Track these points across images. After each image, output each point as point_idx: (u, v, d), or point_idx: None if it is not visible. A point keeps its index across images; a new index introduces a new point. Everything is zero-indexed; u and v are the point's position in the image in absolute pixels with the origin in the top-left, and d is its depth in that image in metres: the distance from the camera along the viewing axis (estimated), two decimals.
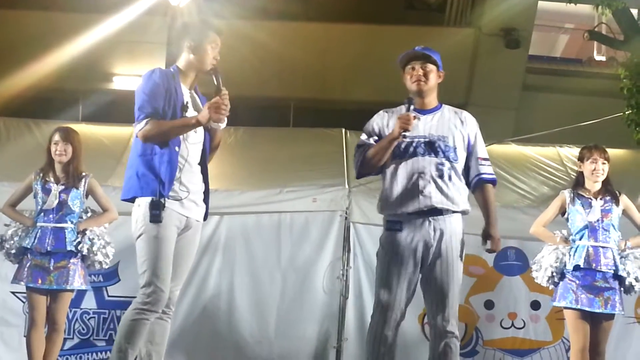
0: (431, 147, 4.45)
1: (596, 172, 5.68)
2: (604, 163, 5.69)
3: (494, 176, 4.61)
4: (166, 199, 4.18)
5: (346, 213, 6.90)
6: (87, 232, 5.79)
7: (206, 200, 4.44)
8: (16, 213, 5.92)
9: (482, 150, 4.60)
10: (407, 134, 4.35)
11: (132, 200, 4.29)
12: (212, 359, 6.88)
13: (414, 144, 4.45)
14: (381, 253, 4.55)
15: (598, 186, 5.71)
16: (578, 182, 5.81)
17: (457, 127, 4.54)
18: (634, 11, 10.41)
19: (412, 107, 4.42)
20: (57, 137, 5.82)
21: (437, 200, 4.39)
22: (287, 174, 7.43)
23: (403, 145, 4.45)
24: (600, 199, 5.67)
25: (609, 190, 5.71)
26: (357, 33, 12.12)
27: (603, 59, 13.95)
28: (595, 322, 5.59)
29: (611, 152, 5.88)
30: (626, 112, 9.09)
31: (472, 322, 6.99)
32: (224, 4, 11.31)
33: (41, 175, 5.83)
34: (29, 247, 5.72)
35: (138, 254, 4.24)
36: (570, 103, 11.85)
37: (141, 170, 4.22)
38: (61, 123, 6.98)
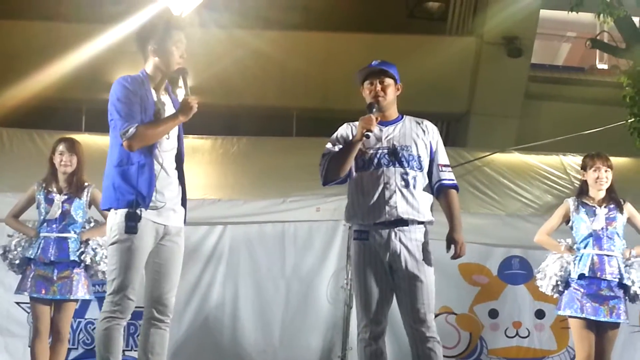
0: (395, 157, 4.51)
1: (599, 180, 5.67)
2: (606, 171, 5.68)
3: (454, 182, 4.63)
4: (143, 209, 4.17)
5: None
6: (90, 242, 5.79)
7: (184, 204, 4.42)
8: (19, 224, 5.92)
9: (442, 157, 4.64)
10: (369, 133, 4.42)
11: (109, 210, 4.29)
12: None
13: (378, 155, 4.52)
14: (352, 264, 4.64)
15: (602, 194, 5.70)
16: (582, 191, 5.80)
17: (420, 136, 4.60)
18: (636, 19, 10.41)
19: (374, 110, 4.50)
20: (62, 147, 5.83)
21: (403, 211, 4.44)
22: (290, 183, 7.43)
23: (367, 157, 4.53)
24: (605, 207, 5.66)
25: (613, 198, 5.70)
26: (359, 42, 12.11)
27: (605, 67, 13.95)
28: (600, 331, 5.57)
29: (614, 160, 5.88)
30: (629, 120, 9.08)
31: (476, 331, 6.99)
32: (225, 14, 11.33)
33: (44, 185, 5.84)
34: (32, 257, 5.72)
35: (109, 261, 4.26)
36: (573, 111, 11.84)
37: (117, 181, 4.20)
38: (64, 133, 6.98)
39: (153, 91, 4.32)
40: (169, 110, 4.36)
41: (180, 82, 4.34)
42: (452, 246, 4.49)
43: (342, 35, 12.39)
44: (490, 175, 8.12)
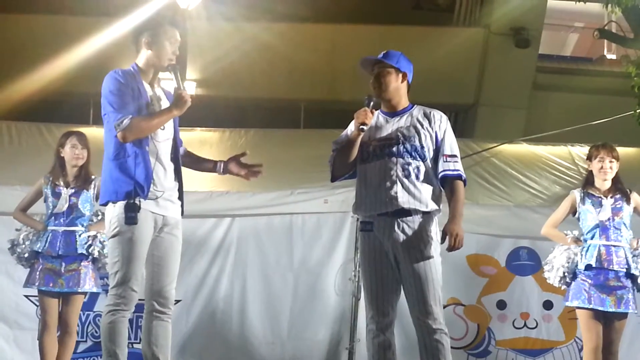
0: (398, 148, 4.47)
1: (603, 170, 5.66)
2: (611, 161, 5.66)
3: (458, 172, 4.49)
4: (142, 200, 4.17)
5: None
6: (98, 235, 5.79)
7: (180, 197, 4.42)
8: (27, 217, 5.94)
9: (448, 147, 4.52)
10: (364, 127, 4.41)
11: (107, 204, 4.29)
12: None
13: (380, 146, 4.50)
14: (359, 255, 4.66)
15: (608, 184, 5.69)
16: (588, 181, 5.79)
17: (425, 126, 4.52)
18: None
19: (371, 103, 4.47)
20: (75, 140, 5.84)
21: (404, 201, 4.39)
22: (298, 175, 7.43)
23: (371, 148, 4.51)
24: (611, 197, 5.65)
25: (619, 188, 5.69)
26: (366, 34, 12.09)
27: (613, 57, 13.90)
28: (608, 322, 5.58)
29: (622, 150, 5.88)
30: (637, 111, 9.04)
31: (484, 322, 6.99)
32: (232, 7, 11.32)
33: (51, 179, 5.85)
34: (40, 250, 5.74)
35: (110, 254, 4.26)
36: (581, 102, 11.81)
37: (115, 174, 4.20)
38: (72, 126, 7.00)
39: (146, 84, 4.33)
40: (164, 103, 4.37)
41: (173, 78, 4.34)
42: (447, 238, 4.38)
43: (349, 27, 12.37)
44: (498, 166, 8.11)
